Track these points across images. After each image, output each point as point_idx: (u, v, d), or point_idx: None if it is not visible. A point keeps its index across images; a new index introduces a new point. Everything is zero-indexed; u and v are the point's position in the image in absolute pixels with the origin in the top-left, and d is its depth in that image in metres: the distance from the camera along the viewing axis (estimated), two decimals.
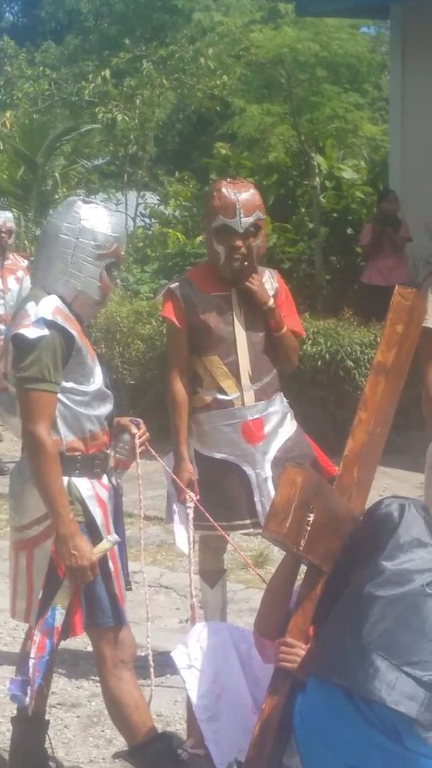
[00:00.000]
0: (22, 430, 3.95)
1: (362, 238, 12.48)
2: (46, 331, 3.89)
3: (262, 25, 17.81)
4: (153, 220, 17.14)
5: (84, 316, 4.11)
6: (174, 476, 4.82)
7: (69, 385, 3.96)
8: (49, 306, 3.95)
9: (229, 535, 4.94)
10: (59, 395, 3.93)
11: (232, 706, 3.89)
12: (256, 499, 4.92)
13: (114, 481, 4.16)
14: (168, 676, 4.92)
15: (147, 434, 4.23)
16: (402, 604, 3.39)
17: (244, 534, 5.23)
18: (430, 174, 13.87)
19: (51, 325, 3.90)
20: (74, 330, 3.97)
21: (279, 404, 5.06)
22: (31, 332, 3.89)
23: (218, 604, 5.19)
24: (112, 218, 4.13)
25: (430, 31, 13.84)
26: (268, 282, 5.06)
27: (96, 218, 4.06)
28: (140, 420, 4.26)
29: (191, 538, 4.77)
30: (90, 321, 4.43)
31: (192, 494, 4.81)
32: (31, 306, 3.97)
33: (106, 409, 4.09)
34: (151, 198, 18.35)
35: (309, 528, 3.60)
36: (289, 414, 5.11)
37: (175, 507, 4.93)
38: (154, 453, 4.37)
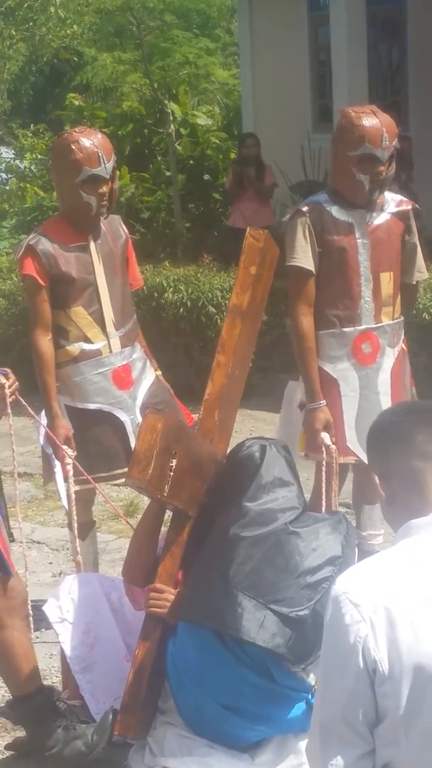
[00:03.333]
0: None
1: (227, 182, 12.50)
2: None
3: None
4: (9, 175, 16.86)
5: None
6: (51, 433, 4.77)
7: None
8: None
9: (103, 484, 4.93)
10: None
11: (106, 655, 3.90)
12: (133, 445, 4.90)
13: None
14: (43, 630, 4.90)
15: (17, 383, 4.16)
16: (266, 543, 3.43)
17: (113, 484, 5.22)
18: (281, 116, 13.97)
19: None
20: None
21: (140, 350, 5.07)
22: None
23: (90, 556, 5.18)
24: None
25: None
26: (119, 228, 5.05)
27: None
28: (8, 370, 4.17)
29: (72, 495, 4.73)
30: None
31: (70, 451, 4.78)
32: None
33: None
34: (7, 153, 18.02)
35: (172, 473, 3.61)
36: (147, 360, 5.11)
37: (55, 465, 4.87)
38: (27, 406, 4.30)
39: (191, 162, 14.52)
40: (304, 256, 4.75)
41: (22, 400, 4.21)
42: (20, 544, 4.72)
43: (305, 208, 4.80)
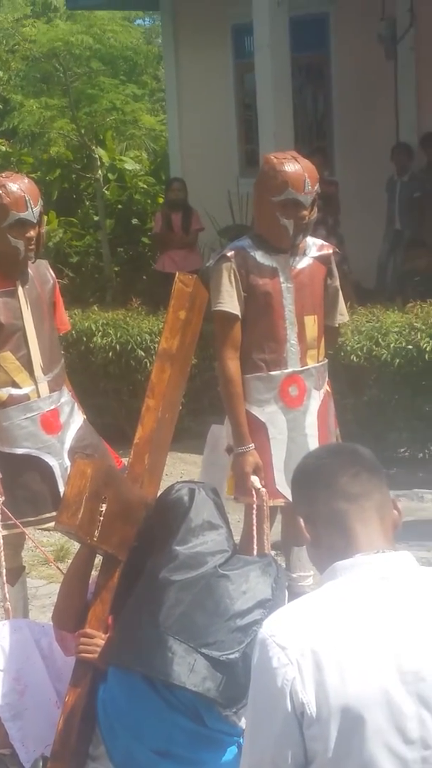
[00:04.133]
0: None
1: (154, 227, 12.58)
2: None
3: (34, 19, 17.66)
4: None
5: None
6: None
7: None
8: None
9: (28, 531, 4.90)
10: None
11: (36, 702, 3.87)
12: (61, 489, 4.89)
13: None
14: None
15: None
16: (196, 586, 3.44)
17: (43, 529, 5.20)
18: (209, 161, 14.09)
19: None
20: None
21: (67, 395, 5.07)
22: None
23: (20, 601, 5.14)
24: None
25: (200, 20, 14.03)
26: (46, 273, 5.06)
27: None
28: None
29: (0, 540, 4.70)
30: None
31: None
32: None
33: None
34: None
35: (102, 518, 3.61)
36: (75, 404, 5.12)
37: None
38: None
39: (119, 207, 14.61)
40: (229, 301, 4.80)
41: None
42: None
43: (230, 253, 4.86)
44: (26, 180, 4.90)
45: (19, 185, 4.80)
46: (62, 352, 5.24)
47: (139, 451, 3.99)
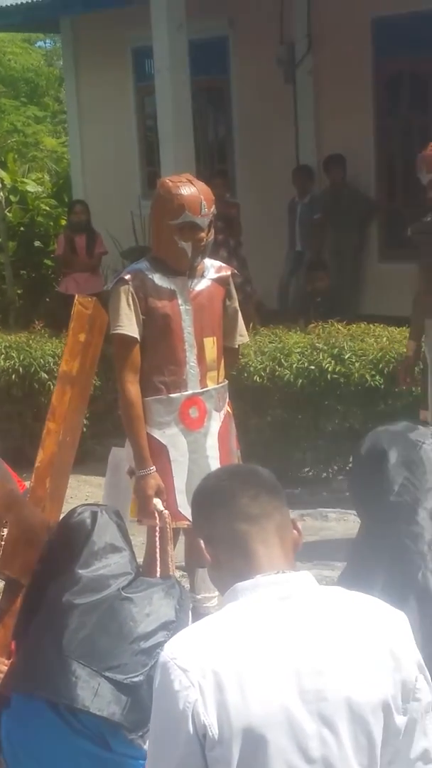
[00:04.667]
0: None
1: (57, 249, 12.54)
2: None
3: None
4: None
5: None
6: None
7: None
8: None
9: None
10: None
11: None
12: None
13: None
14: None
15: None
16: (99, 609, 3.42)
17: None
18: (111, 183, 14.11)
19: None
20: None
21: None
22: None
23: None
24: None
25: (101, 42, 14.05)
26: None
27: None
28: None
29: None
30: None
31: None
32: None
33: None
34: None
35: (3, 543, 3.58)
36: None
37: None
38: None
39: (22, 229, 14.54)
40: (128, 324, 4.81)
41: None
42: None
43: (127, 276, 4.88)
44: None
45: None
46: None
47: (40, 475, 3.97)
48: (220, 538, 2.33)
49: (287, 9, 12.36)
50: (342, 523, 7.06)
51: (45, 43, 24.55)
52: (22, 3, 13.99)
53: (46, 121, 19.45)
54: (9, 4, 14.36)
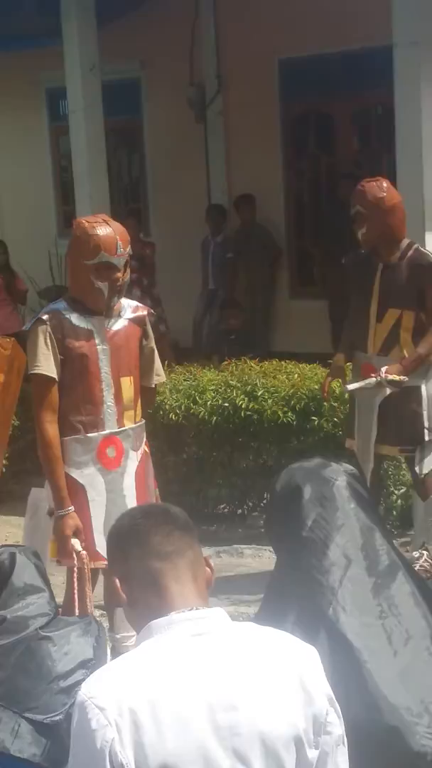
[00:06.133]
0: None
1: None
2: None
3: None
4: None
5: None
6: None
7: None
8: None
9: None
10: None
11: None
12: None
13: None
14: None
15: None
16: (18, 650, 3.44)
17: None
18: (27, 222, 14.13)
19: None
20: None
21: None
22: None
23: None
24: None
25: (15, 82, 14.10)
26: None
27: None
28: None
29: None
30: None
31: None
32: None
33: None
34: None
35: None
36: None
37: None
38: None
39: None
40: (46, 364, 4.84)
41: None
42: None
43: (45, 316, 4.91)
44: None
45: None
46: None
47: None
48: (134, 576, 2.37)
49: (197, 50, 12.54)
50: (257, 559, 7.12)
51: None
52: None
53: None
54: None
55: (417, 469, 6.06)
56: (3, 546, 3.76)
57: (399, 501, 7.23)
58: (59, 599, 4.23)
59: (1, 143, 14.83)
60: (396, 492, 7.25)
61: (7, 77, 14.07)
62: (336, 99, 11.83)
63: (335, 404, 7.23)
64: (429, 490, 6.12)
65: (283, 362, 8.20)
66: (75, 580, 4.79)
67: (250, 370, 8.06)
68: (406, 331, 5.98)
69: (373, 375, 5.91)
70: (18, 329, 11.16)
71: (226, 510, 8.00)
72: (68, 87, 10.96)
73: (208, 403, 7.73)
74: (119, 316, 5.04)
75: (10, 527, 8.03)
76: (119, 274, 4.91)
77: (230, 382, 7.87)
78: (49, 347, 4.86)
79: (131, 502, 4.92)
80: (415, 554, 4.54)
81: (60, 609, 3.92)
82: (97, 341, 4.94)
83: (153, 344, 5.21)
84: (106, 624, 4.75)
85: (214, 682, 2.21)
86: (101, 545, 4.83)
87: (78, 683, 3.42)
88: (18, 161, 14.65)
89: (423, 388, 6.03)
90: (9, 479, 7.70)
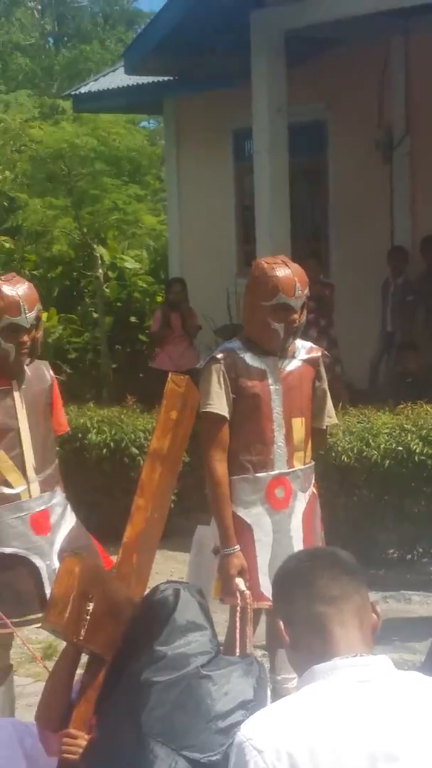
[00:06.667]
0: None
1: (152, 325, 12.72)
2: None
3: (41, 121, 18.02)
4: None
5: None
6: None
7: None
8: None
9: (17, 629, 4.90)
10: None
11: None
12: (47, 591, 4.90)
13: None
14: None
15: None
16: (178, 687, 3.44)
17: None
18: (207, 261, 14.30)
19: None
20: None
21: (60, 496, 5.09)
22: None
23: (7, 702, 5.13)
24: None
25: (202, 124, 14.33)
26: (45, 373, 5.11)
27: None
28: None
29: None
30: None
31: None
32: None
33: None
34: None
35: (88, 617, 3.63)
36: (68, 505, 5.14)
37: None
38: None
39: (118, 304, 14.79)
40: (218, 402, 4.87)
41: None
42: None
43: (219, 355, 4.95)
44: (25, 285, 4.93)
45: (15, 290, 4.85)
46: (57, 448, 5.28)
47: (127, 551, 4.02)
48: (298, 619, 2.36)
49: (385, 92, 12.53)
50: (425, 606, 7.01)
51: (149, 122, 25.10)
52: (128, 86, 14.39)
53: (147, 199, 19.79)
54: (115, 87, 14.77)
55: None
56: (168, 582, 3.77)
57: None
58: (221, 638, 4.22)
59: (187, 182, 15.09)
60: None
61: (195, 118, 14.34)
62: None
63: None
64: None
65: None
66: (237, 619, 4.78)
67: (426, 414, 7.96)
68: None
69: None
70: (193, 365, 11.36)
71: (395, 555, 7.90)
72: (255, 128, 11.10)
73: (382, 446, 7.67)
74: (293, 356, 5.04)
75: (176, 563, 8.09)
76: (296, 316, 4.91)
77: (405, 425, 7.79)
78: (222, 386, 4.89)
79: (297, 543, 4.89)
80: None
81: (221, 648, 3.90)
82: (270, 381, 4.94)
83: (326, 386, 5.18)
84: (267, 665, 4.72)
85: (376, 731, 2.18)
86: (265, 586, 4.81)
87: (237, 724, 3.40)
88: (202, 200, 14.87)
89: None
90: (177, 515, 7.77)
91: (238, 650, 4.69)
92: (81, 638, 3.61)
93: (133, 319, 14.64)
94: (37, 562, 4.91)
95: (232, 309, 13.44)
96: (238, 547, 4.83)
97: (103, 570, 4.02)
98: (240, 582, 4.80)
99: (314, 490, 5.14)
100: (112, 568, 4.14)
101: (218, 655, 3.64)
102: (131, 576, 4.01)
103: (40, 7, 43.29)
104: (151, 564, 4.26)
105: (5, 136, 17.22)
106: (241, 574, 4.81)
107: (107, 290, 14.77)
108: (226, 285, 13.51)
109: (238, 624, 4.77)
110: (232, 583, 4.80)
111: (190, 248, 15.03)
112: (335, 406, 5.36)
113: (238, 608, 4.79)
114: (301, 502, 5.00)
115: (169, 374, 4.35)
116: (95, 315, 14.68)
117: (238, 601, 4.79)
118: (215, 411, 4.88)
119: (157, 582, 3.88)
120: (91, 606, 3.64)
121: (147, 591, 3.92)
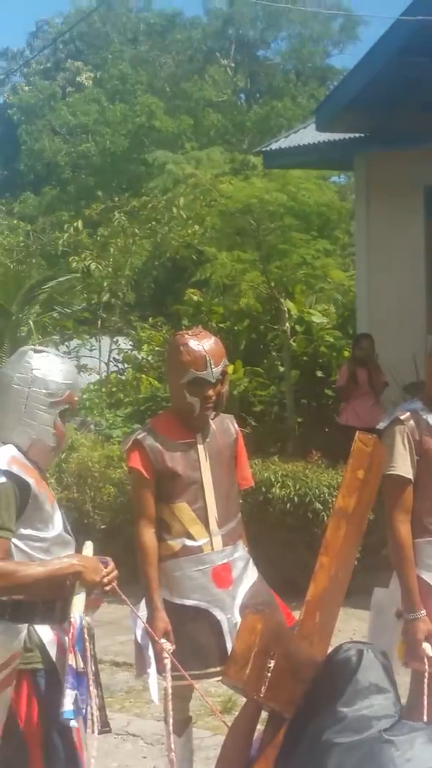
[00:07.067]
0: None
1: (339, 380, 12.70)
2: (2, 479, 3.97)
3: (231, 176, 18.32)
4: (126, 365, 17.33)
5: (41, 463, 4.20)
6: (148, 627, 4.81)
7: (27, 531, 4.02)
8: (4, 456, 4.05)
9: (197, 682, 4.92)
10: (18, 542, 3.99)
11: None
12: (228, 644, 4.91)
13: (84, 622, 4.11)
14: None
15: (115, 572, 4.22)
16: (360, 751, 3.39)
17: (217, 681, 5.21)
18: (396, 318, 14.19)
19: (6, 474, 3.99)
20: (31, 478, 4.05)
21: (242, 549, 5.10)
22: None
23: (186, 753, 5.14)
24: (63, 366, 4.26)
25: (393, 179, 14.29)
26: (230, 426, 5.15)
27: (47, 367, 4.19)
28: (108, 559, 4.24)
29: (169, 691, 4.73)
30: (47, 466, 4.48)
31: (168, 645, 4.80)
32: None
33: (66, 554, 4.13)
34: (125, 343, 18.57)
35: (269, 675, 3.62)
36: (250, 560, 5.14)
37: (149, 658, 4.88)
38: (122, 595, 4.32)
39: (305, 358, 14.79)
40: (402, 464, 4.83)
41: (118, 590, 4.24)
42: (115, 737, 4.70)
43: (403, 416, 4.90)
44: (212, 340, 5.01)
45: (202, 344, 4.92)
46: (240, 502, 5.30)
47: (310, 609, 4.00)
48: None
49: None
50: None
51: (339, 177, 25.21)
52: (319, 142, 14.48)
53: (336, 253, 19.84)
54: (307, 143, 14.90)
55: None
56: (351, 642, 3.73)
57: None
58: (403, 701, 4.14)
59: (376, 237, 15.04)
60: None
61: (386, 174, 14.31)
62: None
63: None
64: None
65: None
66: (425, 685, 4.68)
67: None
68: None
69: None
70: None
71: None
72: None
73: None
74: None
75: (358, 621, 7.99)
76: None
77: None
78: (407, 447, 4.85)
79: None
80: None
81: (404, 712, 3.83)
82: None
83: None
84: None
85: None
86: None
87: None
88: (391, 256, 14.79)
89: None
90: (360, 572, 7.67)
91: (425, 717, 4.59)
92: (261, 695, 3.61)
93: (319, 373, 14.63)
94: (218, 615, 4.92)
95: (419, 365, 13.29)
96: (423, 612, 4.75)
97: (285, 628, 4.01)
98: (427, 647, 4.71)
99: None
100: (294, 626, 4.13)
101: (401, 720, 3.57)
102: (314, 634, 3.98)
103: (233, 64, 44.17)
104: (334, 623, 4.22)
105: (196, 190, 17.58)
106: (427, 639, 4.72)
107: (294, 344, 14.81)
108: (415, 341, 13.38)
109: (425, 690, 4.68)
110: (419, 648, 4.71)
111: (379, 304, 14.95)
112: None
113: (426, 674, 4.69)
114: None
115: (357, 433, 4.33)
116: (281, 368, 14.73)
117: (426, 667, 4.69)
118: (400, 473, 4.84)
119: (339, 641, 3.85)
120: (272, 663, 3.63)
121: (329, 650, 3.89)
